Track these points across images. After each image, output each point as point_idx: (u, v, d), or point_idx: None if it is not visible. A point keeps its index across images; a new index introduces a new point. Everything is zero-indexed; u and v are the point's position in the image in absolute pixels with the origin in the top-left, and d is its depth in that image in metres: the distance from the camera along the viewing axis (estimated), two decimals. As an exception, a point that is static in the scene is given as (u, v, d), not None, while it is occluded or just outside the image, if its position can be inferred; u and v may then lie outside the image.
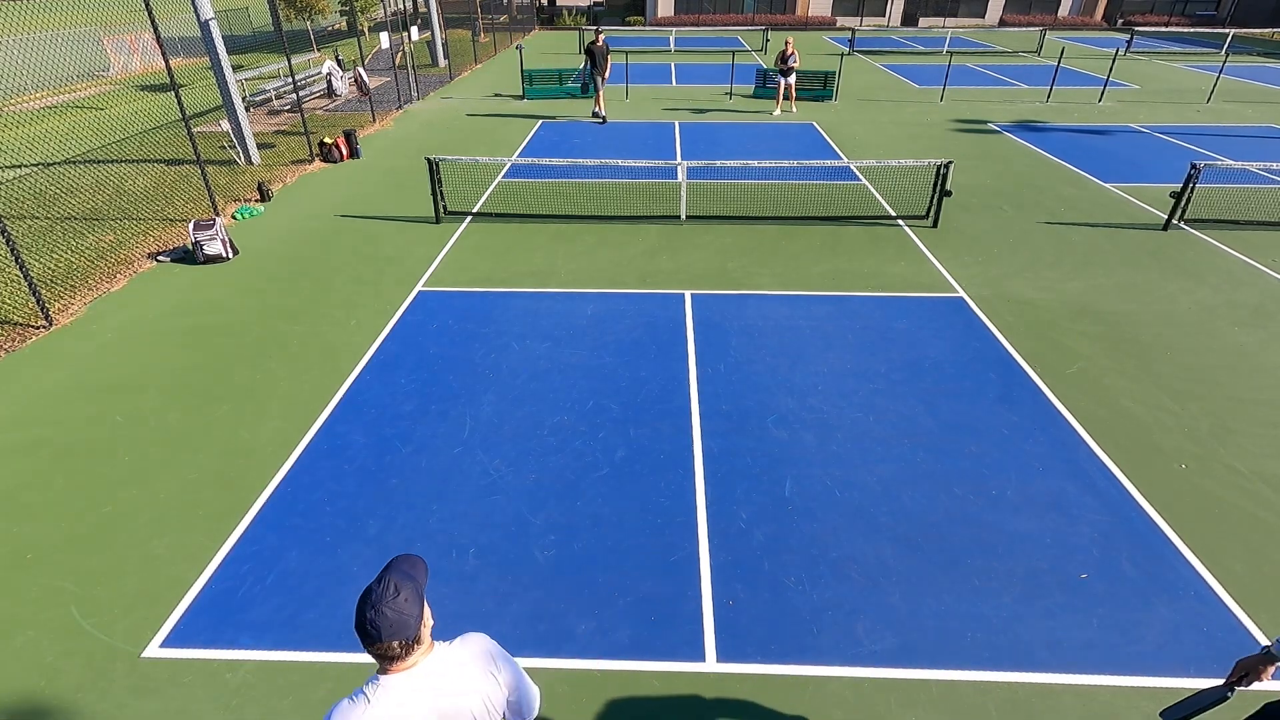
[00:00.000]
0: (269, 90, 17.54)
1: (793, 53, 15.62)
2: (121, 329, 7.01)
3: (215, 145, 13.00)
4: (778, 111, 16.54)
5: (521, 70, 18.47)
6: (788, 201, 10.52)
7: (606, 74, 15.32)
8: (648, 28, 36.69)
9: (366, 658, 3.58)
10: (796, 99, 17.03)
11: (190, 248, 8.49)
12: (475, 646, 2.07)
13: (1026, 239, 9.18)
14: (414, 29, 23.72)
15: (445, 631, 2.04)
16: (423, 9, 32.95)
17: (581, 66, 18.21)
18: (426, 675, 1.91)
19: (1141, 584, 4.14)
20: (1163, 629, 3.86)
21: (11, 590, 4.10)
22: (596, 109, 15.72)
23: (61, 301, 7.44)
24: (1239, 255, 8.66)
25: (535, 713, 2.24)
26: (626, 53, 24.00)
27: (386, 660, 1.88)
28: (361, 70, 14.92)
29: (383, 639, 1.81)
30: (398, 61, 23.00)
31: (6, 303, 7.35)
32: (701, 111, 16.78)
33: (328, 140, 12.64)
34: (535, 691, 2.22)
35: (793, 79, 16.16)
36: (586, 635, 3.84)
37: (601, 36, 15.20)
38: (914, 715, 3.41)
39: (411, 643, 1.86)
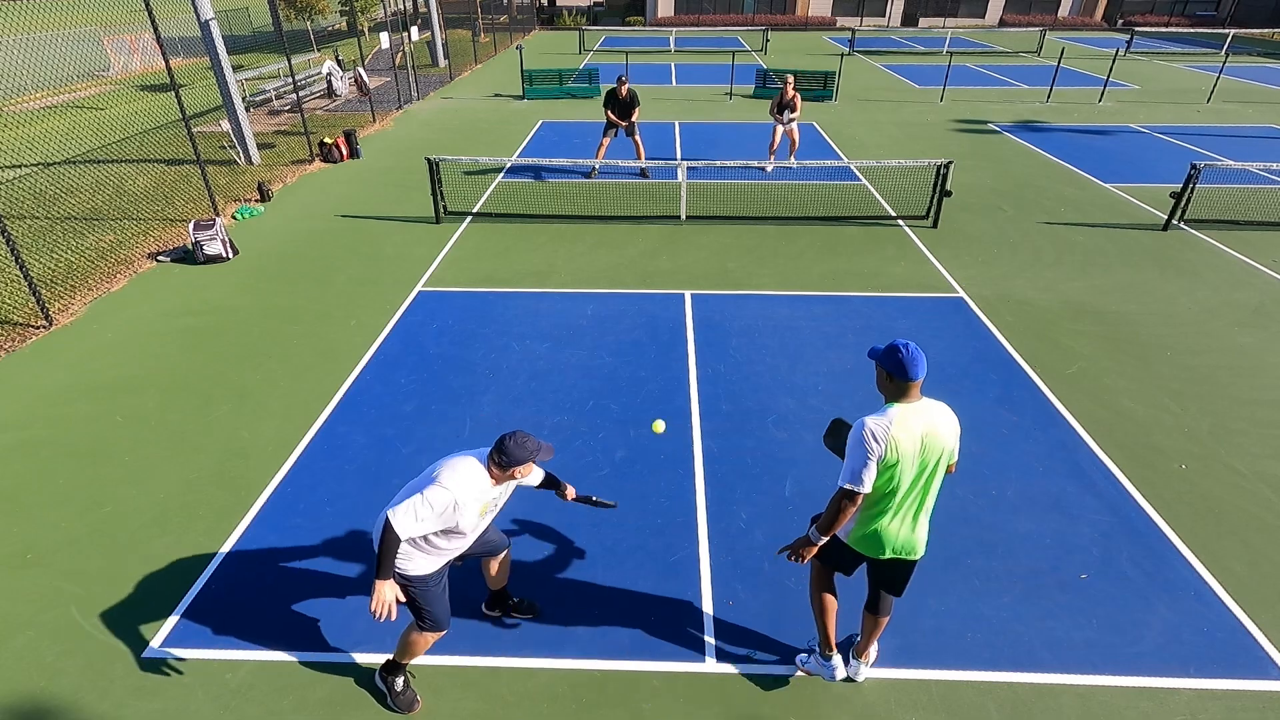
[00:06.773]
0: (269, 90, 17.55)
1: (794, 95, 11.39)
2: (121, 329, 7.01)
3: (215, 145, 13.01)
4: (770, 168, 11.34)
5: (521, 70, 18.49)
6: (788, 201, 10.52)
7: (636, 135, 11.05)
8: (648, 28, 36.69)
9: (365, 657, 3.60)
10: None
11: (190, 248, 8.50)
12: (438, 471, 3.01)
13: (1026, 239, 9.18)
14: (414, 29, 23.73)
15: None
16: (423, 9, 32.94)
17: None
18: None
19: (1141, 584, 4.14)
20: (1163, 629, 3.86)
21: (11, 590, 4.10)
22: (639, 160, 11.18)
23: (61, 301, 7.44)
24: (1239, 255, 8.66)
25: (380, 519, 2.88)
26: (627, 53, 24.03)
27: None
28: (361, 70, 14.92)
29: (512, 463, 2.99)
30: (398, 61, 23.00)
31: (6, 303, 7.35)
32: (702, 111, 16.78)
33: (328, 140, 12.65)
34: (386, 513, 2.86)
35: (795, 129, 11.72)
36: (586, 635, 3.83)
37: (626, 85, 10.76)
38: (914, 715, 3.41)
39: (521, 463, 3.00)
